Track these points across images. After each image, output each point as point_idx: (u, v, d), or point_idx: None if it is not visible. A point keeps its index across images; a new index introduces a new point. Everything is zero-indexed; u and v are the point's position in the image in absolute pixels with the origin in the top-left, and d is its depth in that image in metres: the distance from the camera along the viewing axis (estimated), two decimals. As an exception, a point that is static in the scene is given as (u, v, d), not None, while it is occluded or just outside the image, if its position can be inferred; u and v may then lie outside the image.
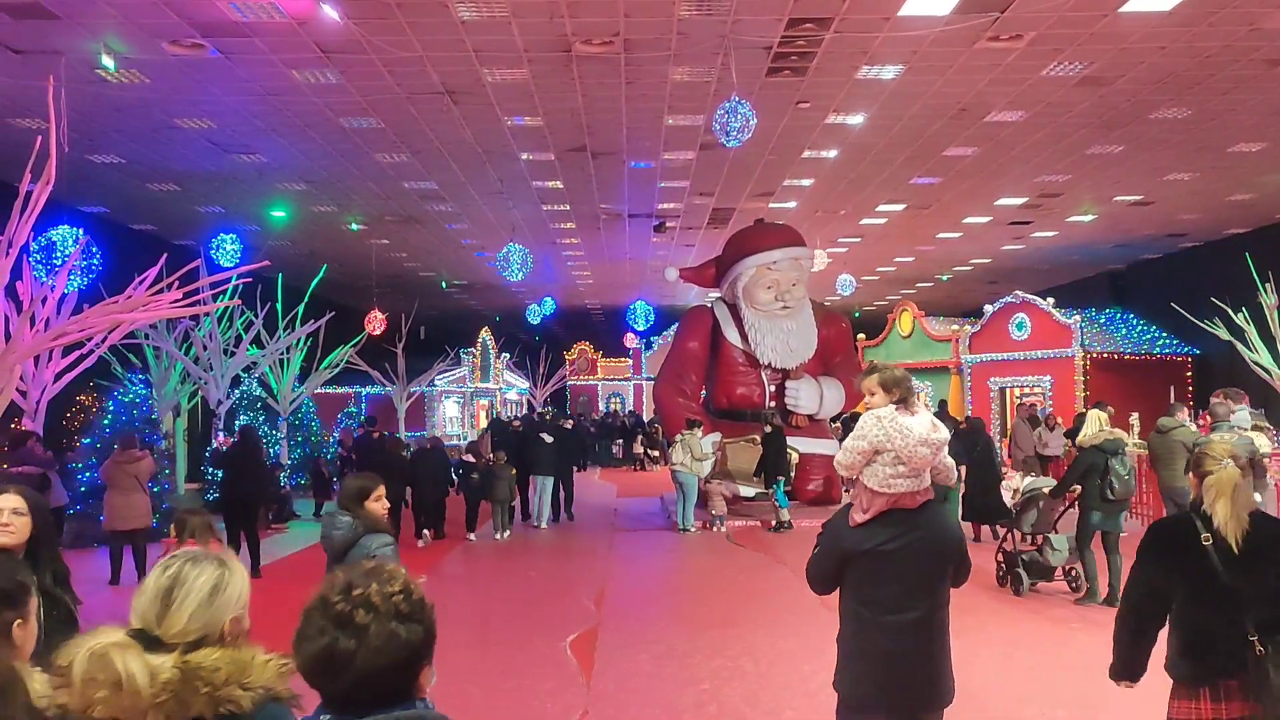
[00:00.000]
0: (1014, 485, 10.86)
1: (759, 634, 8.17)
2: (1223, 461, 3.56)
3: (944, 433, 3.72)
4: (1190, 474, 3.78)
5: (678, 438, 14.52)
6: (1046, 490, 9.72)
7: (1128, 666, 3.68)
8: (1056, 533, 9.64)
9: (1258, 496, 9.30)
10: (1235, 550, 3.42)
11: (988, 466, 12.45)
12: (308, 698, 1.93)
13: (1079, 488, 9.33)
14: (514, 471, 14.71)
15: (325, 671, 1.66)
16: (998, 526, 11.32)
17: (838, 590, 3.80)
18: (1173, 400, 12.32)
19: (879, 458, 3.65)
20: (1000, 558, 10.00)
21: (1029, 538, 9.88)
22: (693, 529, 14.28)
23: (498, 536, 14.13)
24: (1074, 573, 9.53)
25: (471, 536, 14.10)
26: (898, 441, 3.61)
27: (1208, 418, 10.01)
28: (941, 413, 18.44)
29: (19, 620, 2.36)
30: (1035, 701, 6.29)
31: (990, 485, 12.16)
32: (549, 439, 15.45)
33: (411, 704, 1.70)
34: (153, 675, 1.83)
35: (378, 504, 4.78)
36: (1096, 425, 9.27)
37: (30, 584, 2.45)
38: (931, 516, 3.69)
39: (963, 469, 13.10)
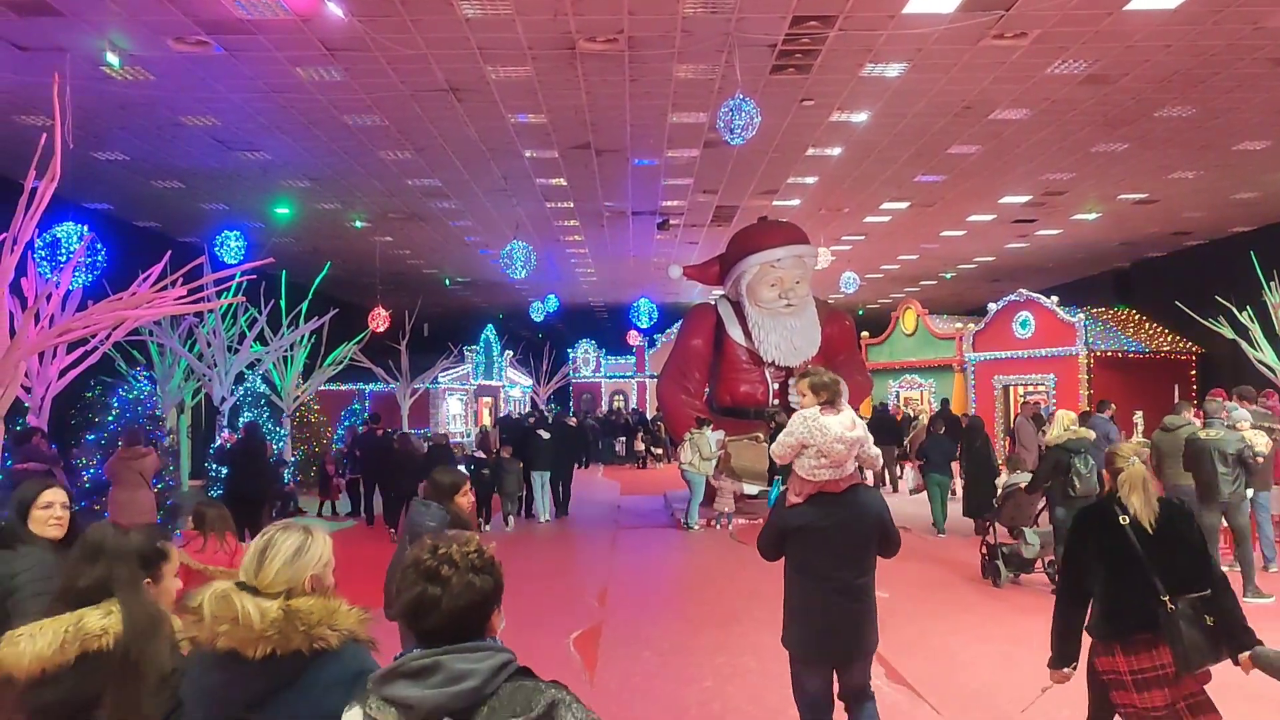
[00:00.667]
0: (1002, 481, 11.24)
1: (762, 632, 8.16)
2: (1130, 460, 4.28)
3: (860, 430, 4.46)
4: (1104, 470, 4.47)
5: (686, 436, 14.70)
6: (1022, 485, 10.09)
7: (1064, 653, 4.27)
8: (1037, 526, 10.01)
9: (1249, 491, 9.37)
10: (1150, 530, 4.14)
11: (985, 463, 12.81)
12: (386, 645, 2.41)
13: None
14: (521, 465, 15.26)
15: (417, 613, 2.04)
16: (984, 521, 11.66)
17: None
18: (1177, 399, 12.32)
19: (805, 451, 4.39)
20: (983, 550, 10.41)
21: (1010, 531, 10.30)
22: (696, 526, 14.36)
23: (506, 528, 14.59)
24: (1052, 563, 9.82)
25: (486, 528, 14.45)
26: (818, 438, 4.35)
27: (1201, 415, 10.09)
28: (944, 410, 18.46)
29: (148, 579, 2.81)
30: (1039, 700, 6.28)
31: (987, 481, 12.43)
32: (546, 436, 15.91)
33: (482, 639, 2.07)
34: (262, 614, 2.29)
35: (465, 499, 5.27)
36: (1061, 427, 9.62)
37: (168, 551, 2.93)
38: (855, 498, 4.43)
39: (954, 465, 13.84)
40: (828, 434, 4.34)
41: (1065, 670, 4.28)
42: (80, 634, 2.54)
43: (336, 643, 2.33)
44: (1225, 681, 4.20)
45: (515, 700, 1.94)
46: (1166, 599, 3.99)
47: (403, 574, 2.09)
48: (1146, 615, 4.03)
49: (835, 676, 4.52)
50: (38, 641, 2.52)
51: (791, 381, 15.73)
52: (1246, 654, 3.92)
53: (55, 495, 3.90)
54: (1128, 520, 4.17)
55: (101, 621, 2.57)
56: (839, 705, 4.61)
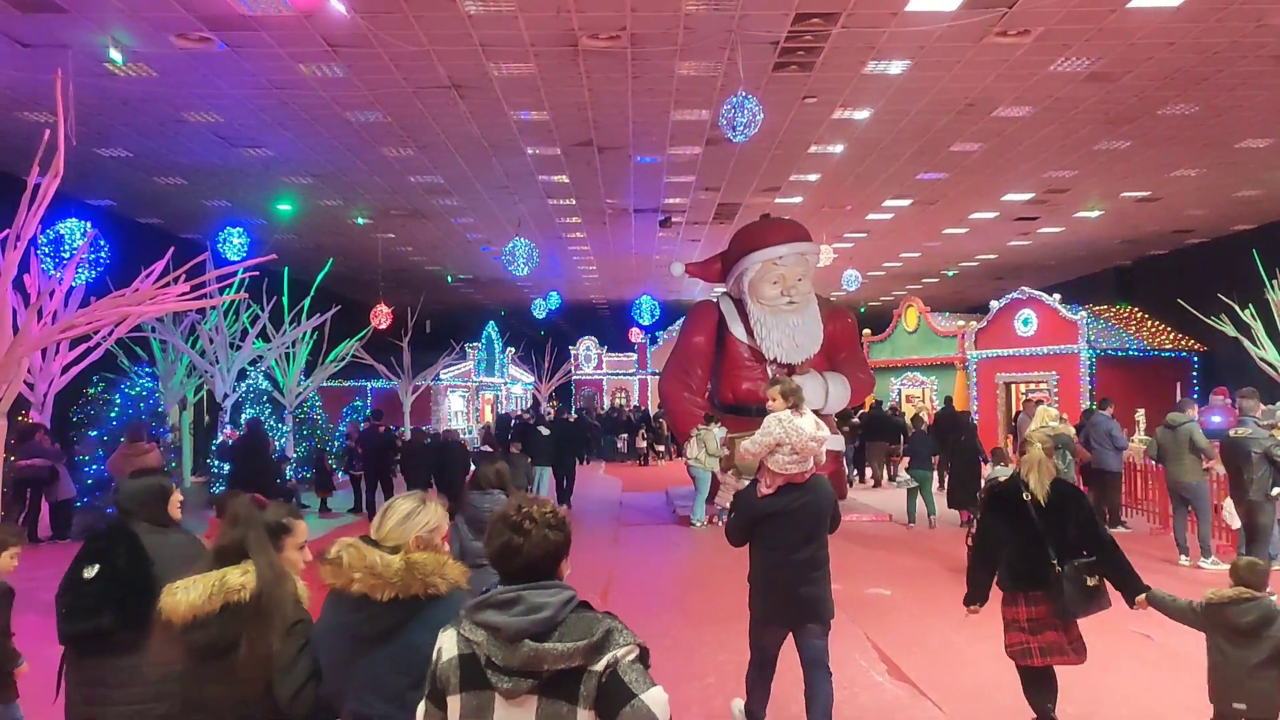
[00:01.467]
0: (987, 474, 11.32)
1: (764, 628, 8.17)
2: (1034, 445, 5.24)
3: (825, 430, 5.26)
4: (1014, 453, 5.27)
5: (694, 432, 14.75)
6: (1002, 479, 9.97)
7: (977, 594, 5.42)
8: None
9: (1276, 491, 9.33)
10: (1043, 505, 5.13)
11: (970, 457, 12.94)
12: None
13: None
14: (530, 460, 15.39)
15: (503, 557, 2.51)
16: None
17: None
18: (1179, 397, 12.30)
19: (779, 449, 5.06)
20: (969, 542, 10.34)
21: None
22: (699, 524, 14.37)
23: None
24: None
25: None
26: (793, 437, 5.03)
27: (1236, 412, 10.10)
28: (947, 408, 18.45)
29: (271, 549, 3.28)
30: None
31: (972, 475, 12.51)
32: (546, 431, 16.25)
33: (553, 581, 2.52)
34: (387, 564, 2.86)
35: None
36: (1040, 421, 9.60)
37: (292, 526, 3.43)
38: (814, 485, 5.18)
39: (935, 459, 14.33)
40: (802, 434, 5.03)
41: (975, 607, 5.45)
42: (224, 588, 3.07)
43: (445, 589, 2.89)
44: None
45: (579, 627, 2.41)
46: (1055, 563, 5.03)
47: (492, 524, 2.57)
48: (1040, 574, 5.09)
49: (794, 640, 5.33)
50: (191, 593, 3.05)
51: (795, 377, 15.76)
52: (1141, 596, 4.88)
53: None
54: (1030, 497, 5.16)
55: (241, 578, 3.10)
56: (799, 679, 5.39)
